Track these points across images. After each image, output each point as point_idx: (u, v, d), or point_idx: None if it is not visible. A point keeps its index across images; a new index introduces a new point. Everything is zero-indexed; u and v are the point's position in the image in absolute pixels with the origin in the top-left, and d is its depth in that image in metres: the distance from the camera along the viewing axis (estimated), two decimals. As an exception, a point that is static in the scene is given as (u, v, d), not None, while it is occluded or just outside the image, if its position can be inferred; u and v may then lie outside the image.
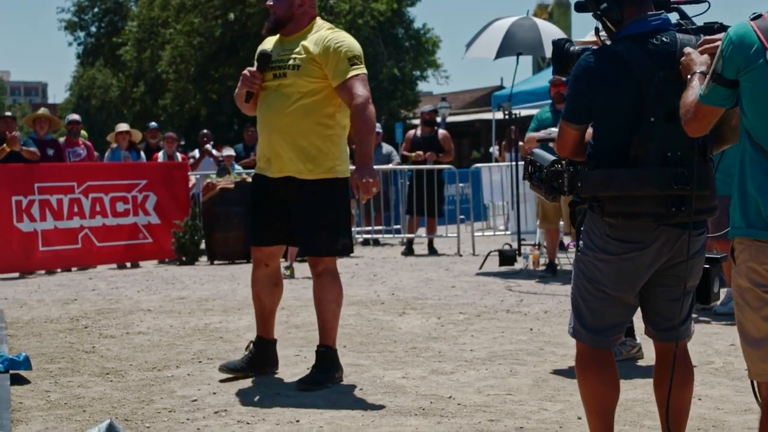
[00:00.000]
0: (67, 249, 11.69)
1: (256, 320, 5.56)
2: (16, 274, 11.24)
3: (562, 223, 10.17)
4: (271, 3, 5.18)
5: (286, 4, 5.13)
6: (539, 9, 35.92)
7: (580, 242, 3.55)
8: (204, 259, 12.47)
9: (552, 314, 7.59)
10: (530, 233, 12.24)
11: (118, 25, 41.37)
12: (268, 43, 5.31)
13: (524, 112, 13.36)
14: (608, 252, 3.44)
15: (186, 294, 9.21)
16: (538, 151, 3.74)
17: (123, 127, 13.65)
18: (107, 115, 41.57)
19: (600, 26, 3.59)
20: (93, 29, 44.06)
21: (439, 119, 26.47)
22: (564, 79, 9.98)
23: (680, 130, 3.19)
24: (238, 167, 13.68)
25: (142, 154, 13.51)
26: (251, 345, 5.48)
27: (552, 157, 3.62)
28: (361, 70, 5.04)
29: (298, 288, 9.46)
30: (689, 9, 3.60)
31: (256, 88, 5.21)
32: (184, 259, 12.24)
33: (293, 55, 5.08)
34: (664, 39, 3.39)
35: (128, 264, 12.22)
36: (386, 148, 14.43)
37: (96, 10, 43.60)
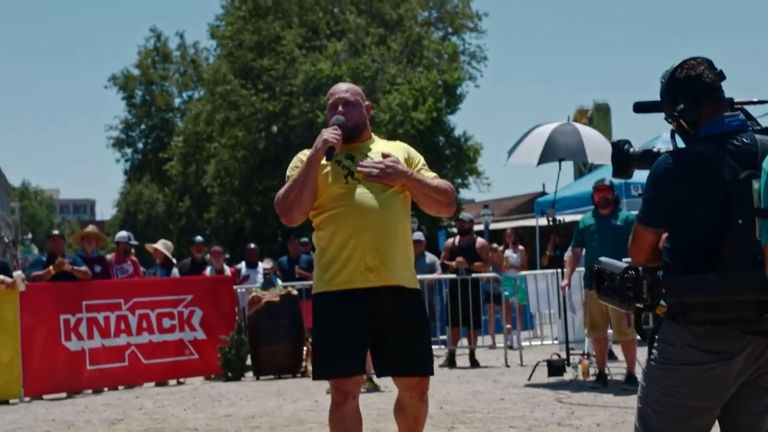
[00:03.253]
0: (114, 367, 11.69)
1: None
2: (64, 394, 11.24)
3: (610, 331, 10.02)
4: (344, 110, 4.84)
5: (359, 112, 4.88)
6: (578, 114, 36.13)
7: (654, 352, 3.40)
8: (250, 374, 12.40)
9: (604, 427, 7.41)
10: (579, 342, 12.06)
11: (164, 141, 42.21)
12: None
13: (568, 218, 13.33)
14: (692, 363, 3.28)
15: (233, 411, 9.14)
16: (605, 258, 3.60)
17: (158, 245, 13.78)
18: (153, 230, 42.11)
19: (674, 128, 3.51)
20: (140, 146, 45.02)
21: (482, 227, 26.48)
22: (607, 183, 9.99)
23: None
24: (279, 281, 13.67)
25: (175, 270, 13.53)
26: None
27: (623, 264, 3.47)
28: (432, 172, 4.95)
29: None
30: (753, 110, 3.57)
31: (339, 144, 4.72)
32: (230, 374, 12.19)
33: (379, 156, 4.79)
34: (744, 140, 3.34)
35: (174, 381, 12.19)
36: (429, 257, 14.38)
37: (143, 126, 44.63)
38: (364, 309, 4.66)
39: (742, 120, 3.41)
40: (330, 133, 4.70)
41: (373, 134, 5.01)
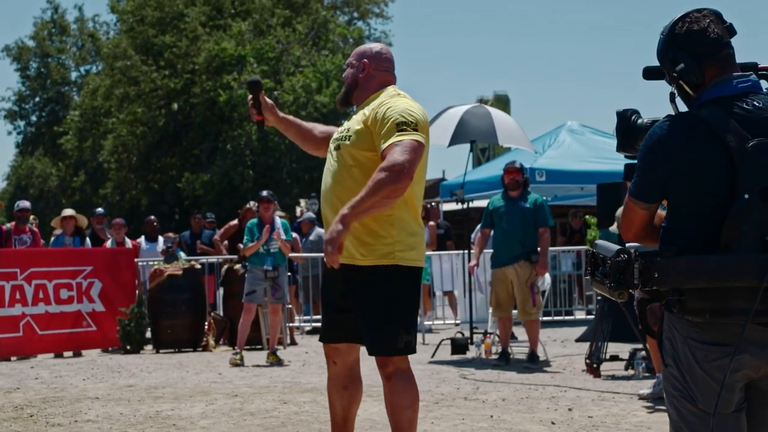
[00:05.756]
0: (7, 337, 11.36)
1: (331, 425, 4.90)
2: (-46, 363, 10.88)
3: (515, 311, 10.15)
4: (345, 74, 4.79)
5: (352, 72, 4.70)
6: (479, 103, 36.50)
7: (663, 354, 3.02)
8: (149, 347, 12.20)
9: (510, 402, 7.50)
10: (481, 322, 12.19)
11: (59, 115, 41.12)
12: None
13: (475, 202, 13.43)
14: (695, 359, 2.91)
15: (134, 382, 8.96)
16: (601, 241, 3.18)
17: (68, 212, 13.45)
18: (45, 204, 41.01)
19: (675, 92, 3.09)
20: (33, 118, 43.78)
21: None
22: (518, 165, 10.09)
23: None
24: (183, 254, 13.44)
25: (87, 240, 13.29)
26: None
27: (616, 247, 3.07)
28: (408, 135, 4.29)
29: (249, 375, 9.27)
30: None
31: (253, 115, 4.88)
32: (128, 347, 11.96)
33: (350, 125, 4.56)
34: (755, 103, 2.92)
35: (70, 353, 11.90)
36: (316, 233, 14.24)
37: (37, 99, 43.39)
38: (331, 281, 4.68)
39: (754, 81, 3.01)
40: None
41: (385, 90, 4.62)
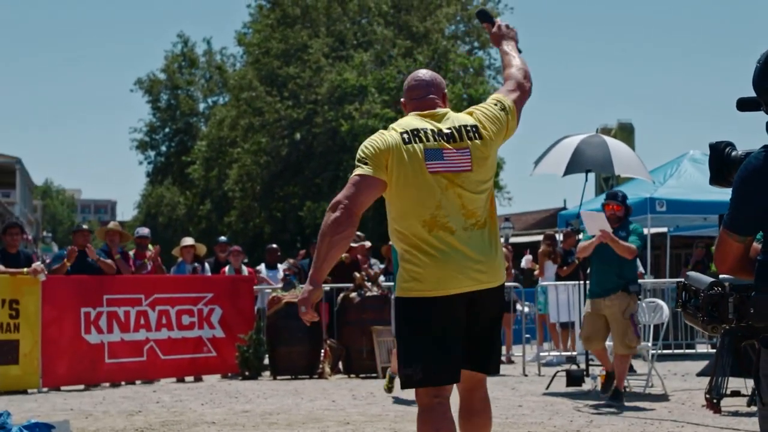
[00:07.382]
0: (132, 361, 11.72)
1: None
2: (81, 386, 11.27)
3: (609, 343, 9.77)
4: None
5: None
6: (602, 132, 36.03)
7: (763, 393, 2.95)
8: (266, 373, 12.41)
9: (624, 436, 7.37)
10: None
11: (187, 145, 42.43)
12: None
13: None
14: None
15: (250, 408, 9.14)
16: (693, 273, 3.09)
17: (187, 241, 13.87)
18: (173, 232, 42.26)
19: None
20: (163, 149, 45.26)
21: (502, 240, 26.46)
22: (620, 198, 9.82)
23: None
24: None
25: (206, 266, 13.63)
26: None
27: (709, 279, 2.98)
28: (355, 171, 4.27)
29: (362, 403, 9.34)
30: None
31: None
32: (247, 373, 12.19)
33: None
34: None
35: (191, 378, 12.20)
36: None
37: (167, 130, 44.88)
38: None
39: None
40: None
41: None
